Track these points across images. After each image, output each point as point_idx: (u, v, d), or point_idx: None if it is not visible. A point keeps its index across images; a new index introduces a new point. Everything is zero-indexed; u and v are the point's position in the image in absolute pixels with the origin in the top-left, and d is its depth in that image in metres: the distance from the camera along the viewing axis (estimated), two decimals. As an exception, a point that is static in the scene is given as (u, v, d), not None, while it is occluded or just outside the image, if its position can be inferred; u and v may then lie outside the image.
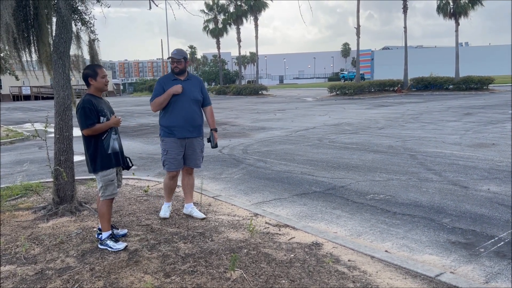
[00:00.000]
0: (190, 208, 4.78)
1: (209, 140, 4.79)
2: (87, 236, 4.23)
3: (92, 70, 3.94)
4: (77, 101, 4.14)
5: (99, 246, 3.90)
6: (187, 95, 4.53)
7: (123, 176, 4.56)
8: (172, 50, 4.60)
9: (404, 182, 6.16)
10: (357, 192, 5.72)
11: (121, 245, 3.83)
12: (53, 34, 5.11)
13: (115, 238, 3.92)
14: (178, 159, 4.60)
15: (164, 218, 4.68)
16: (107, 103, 4.09)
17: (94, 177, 4.38)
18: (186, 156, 4.66)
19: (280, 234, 4.14)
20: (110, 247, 3.82)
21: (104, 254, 3.75)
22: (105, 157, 3.88)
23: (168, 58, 4.59)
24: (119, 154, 4.03)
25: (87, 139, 3.88)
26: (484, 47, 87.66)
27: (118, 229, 4.25)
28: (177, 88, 4.47)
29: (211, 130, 4.79)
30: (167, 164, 4.63)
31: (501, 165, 6.98)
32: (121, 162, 4.07)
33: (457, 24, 32.37)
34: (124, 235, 4.16)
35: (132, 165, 4.26)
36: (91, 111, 3.80)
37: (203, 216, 4.71)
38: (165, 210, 4.76)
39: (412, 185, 5.95)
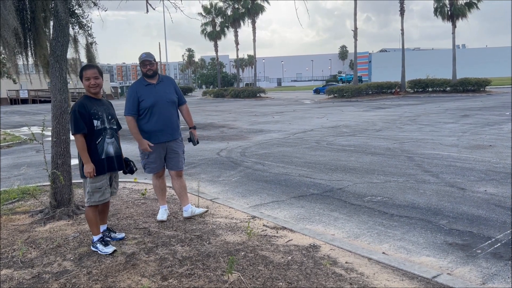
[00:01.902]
0: (190, 209, 4.77)
1: (190, 140, 4.82)
2: (84, 239, 4.22)
3: (80, 71, 3.92)
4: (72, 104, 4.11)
5: (91, 247, 3.92)
6: (163, 98, 4.52)
7: (119, 179, 4.54)
8: (140, 55, 4.47)
9: (401, 184, 6.18)
10: (354, 194, 5.72)
11: (109, 249, 3.81)
12: (50, 38, 5.12)
13: (104, 242, 3.90)
14: (159, 161, 4.64)
15: (162, 221, 4.68)
16: (105, 104, 3.98)
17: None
18: (169, 159, 4.67)
19: (277, 237, 4.14)
20: (99, 250, 3.82)
21: (101, 257, 3.74)
22: (97, 162, 3.79)
23: (139, 64, 4.50)
24: (114, 158, 3.93)
25: None
26: (481, 49, 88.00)
27: (115, 232, 4.24)
28: (145, 148, 4.48)
29: (190, 128, 4.82)
30: (149, 168, 4.68)
31: (498, 166, 7.00)
32: (116, 166, 3.97)
33: (454, 26, 32.52)
34: (122, 239, 4.15)
35: (136, 169, 4.23)
36: (82, 116, 3.73)
37: (206, 209, 4.88)
38: (162, 213, 4.76)
39: (409, 187, 5.96)
